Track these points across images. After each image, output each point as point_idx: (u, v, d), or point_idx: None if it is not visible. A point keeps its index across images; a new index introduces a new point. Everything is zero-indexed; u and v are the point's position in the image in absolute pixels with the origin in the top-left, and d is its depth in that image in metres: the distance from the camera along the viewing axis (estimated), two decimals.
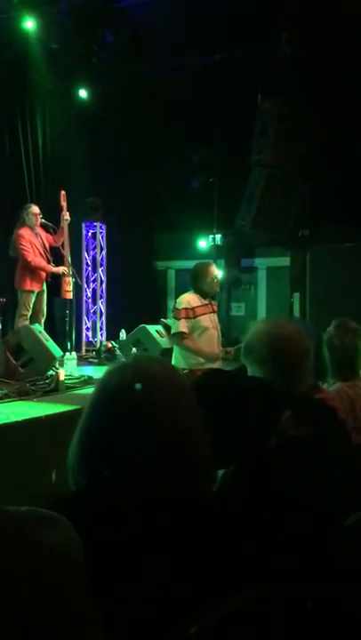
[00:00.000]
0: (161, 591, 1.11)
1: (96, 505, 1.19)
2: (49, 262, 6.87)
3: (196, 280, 5.06)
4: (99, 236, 9.32)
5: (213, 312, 5.08)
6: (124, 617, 1.08)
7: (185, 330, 4.87)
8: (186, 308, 4.90)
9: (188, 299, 4.96)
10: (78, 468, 1.27)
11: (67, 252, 7.16)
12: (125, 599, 1.09)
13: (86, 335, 9.16)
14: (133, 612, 1.10)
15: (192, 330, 4.90)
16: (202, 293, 4.99)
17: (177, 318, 4.94)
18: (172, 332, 5.07)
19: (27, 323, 6.47)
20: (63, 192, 7.24)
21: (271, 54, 7.90)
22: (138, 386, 1.23)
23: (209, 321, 4.97)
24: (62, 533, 0.92)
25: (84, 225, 9.18)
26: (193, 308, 4.90)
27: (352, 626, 1.43)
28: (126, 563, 1.12)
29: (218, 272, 5.12)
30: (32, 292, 6.80)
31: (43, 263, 6.78)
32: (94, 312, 9.27)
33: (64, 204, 7.19)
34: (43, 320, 6.91)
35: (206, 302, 5.00)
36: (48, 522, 0.93)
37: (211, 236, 9.32)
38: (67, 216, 7.13)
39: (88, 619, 0.92)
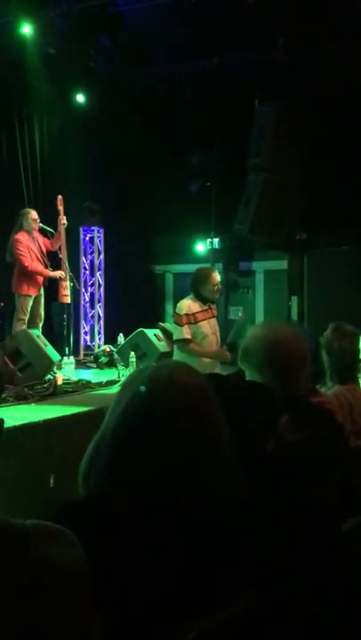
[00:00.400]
0: (163, 597, 1.11)
1: (110, 512, 1.17)
2: (46, 267, 6.89)
3: (196, 285, 5.08)
4: (96, 240, 9.32)
5: (213, 317, 5.10)
6: (125, 625, 1.08)
7: (188, 336, 4.90)
8: (187, 314, 4.92)
9: (189, 304, 4.98)
10: (98, 471, 1.23)
11: (64, 256, 7.18)
12: (128, 606, 1.09)
13: (84, 339, 9.15)
14: (135, 619, 1.09)
15: (193, 336, 4.92)
16: (201, 299, 5.01)
17: (179, 324, 4.95)
18: (176, 338, 5.06)
19: (24, 327, 6.46)
20: (60, 196, 7.26)
21: (268, 58, 7.92)
22: (142, 388, 1.22)
23: (208, 327, 4.99)
24: (66, 549, 0.91)
25: (81, 229, 9.19)
26: (194, 314, 4.93)
27: (352, 627, 1.43)
28: (134, 571, 1.12)
29: (219, 279, 5.12)
30: (29, 296, 6.80)
31: (40, 268, 6.78)
32: (92, 316, 9.27)
33: (61, 208, 7.21)
34: (40, 324, 6.91)
35: (206, 307, 5.02)
36: (53, 536, 0.92)
37: (208, 240, 9.32)
38: (63, 220, 7.15)
39: (90, 633, 0.92)
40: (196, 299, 5.01)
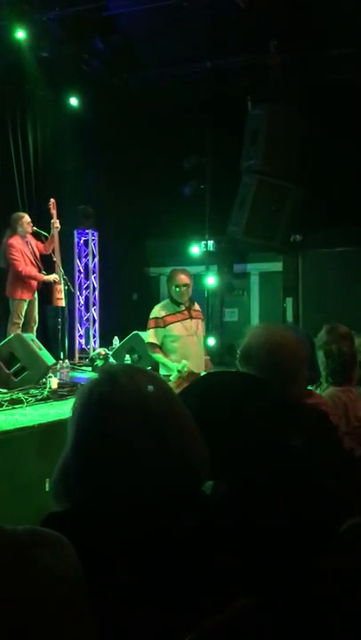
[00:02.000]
0: (156, 601, 1.10)
1: (91, 521, 1.16)
2: (40, 270, 6.86)
3: (167, 287, 5.17)
4: (91, 244, 9.32)
5: (191, 318, 5.05)
6: (119, 633, 1.07)
7: (153, 340, 5.00)
8: (155, 318, 5.00)
9: (158, 308, 5.06)
10: (69, 483, 1.23)
11: (58, 260, 7.15)
12: (119, 614, 1.08)
13: (79, 343, 9.14)
14: (128, 628, 1.08)
15: (164, 338, 4.98)
16: (173, 301, 5.03)
17: (148, 328, 5.06)
18: (145, 341, 5.22)
19: (19, 331, 6.44)
20: (53, 200, 7.24)
21: (261, 61, 7.94)
22: (150, 388, 1.22)
23: (182, 328, 4.99)
24: (61, 554, 0.90)
25: (76, 232, 9.18)
26: (163, 318, 4.98)
27: (350, 627, 1.42)
28: (121, 578, 1.11)
29: (187, 280, 5.00)
30: (24, 300, 6.78)
31: (34, 272, 6.76)
32: (87, 319, 9.26)
33: (54, 211, 7.19)
34: (35, 328, 6.89)
35: (180, 309, 5.02)
36: (47, 542, 0.90)
37: (203, 242, 9.33)
38: (57, 224, 7.12)
39: (87, 638, 0.90)
40: (169, 301, 5.06)
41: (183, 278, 4.98)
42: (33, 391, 4.95)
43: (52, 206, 7.21)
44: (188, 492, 1.20)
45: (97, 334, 9.26)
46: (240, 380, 1.75)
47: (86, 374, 7.05)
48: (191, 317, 5.07)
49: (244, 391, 1.66)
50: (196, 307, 5.19)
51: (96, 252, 9.39)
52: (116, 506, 1.15)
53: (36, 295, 6.94)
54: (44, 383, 5.12)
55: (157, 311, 5.02)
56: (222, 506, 1.33)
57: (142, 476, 1.16)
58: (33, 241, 6.92)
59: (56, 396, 4.93)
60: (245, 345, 1.97)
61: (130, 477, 1.16)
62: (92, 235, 9.32)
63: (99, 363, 7.28)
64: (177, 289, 4.96)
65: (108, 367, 1.38)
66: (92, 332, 9.19)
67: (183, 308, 5.03)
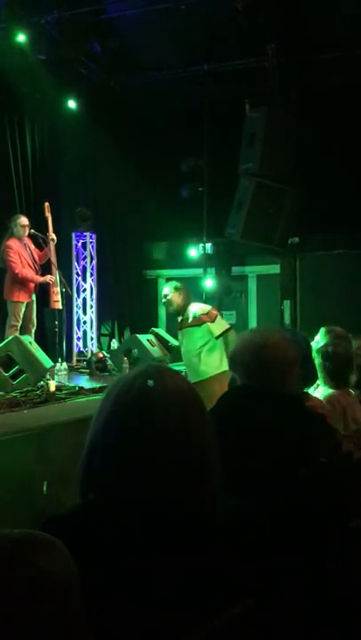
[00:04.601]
0: (155, 610, 1.10)
1: (96, 523, 1.16)
2: (37, 273, 6.85)
3: None
4: (89, 246, 9.32)
5: (181, 330, 5.42)
6: (118, 636, 1.07)
7: None
8: None
9: None
10: (93, 466, 1.22)
11: (54, 262, 7.12)
12: (119, 619, 1.08)
13: (77, 345, 9.13)
14: (128, 632, 1.08)
15: None
16: None
17: None
18: None
19: (17, 333, 6.43)
20: (47, 203, 7.21)
21: (259, 64, 7.95)
22: (150, 382, 1.21)
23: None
24: (57, 557, 0.89)
25: (73, 235, 9.18)
26: None
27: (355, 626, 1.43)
28: (122, 582, 1.10)
29: (164, 291, 5.50)
30: (21, 302, 6.77)
31: (30, 274, 6.74)
32: (85, 322, 9.25)
33: (48, 214, 7.16)
34: (33, 330, 6.88)
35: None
36: (42, 545, 0.90)
37: (201, 245, 9.33)
38: (52, 236, 7.06)
39: None
40: None
41: (165, 289, 5.51)
42: (31, 394, 4.94)
43: (46, 209, 7.18)
44: (199, 500, 1.19)
45: (95, 337, 9.26)
46: (258, 397, 1.75)
47: (84, 377, 7.05)
48: (181, 329, 5.38)
49: (264, 408, 1.65)
50: (189, 312, 5.33)
51: (94, 255, 9.39)
52: (127, 504, 1.14)
53: (34, 297, 6.93)
54: (42, 386, 5.11)
55: None
56: (240, 517, 1.32)
57: (161, 481, 1.15)
58: (31, 244, 6.91)
59: (54, 398, 4.92)
60: (233, 349, 1.97)
61: (149, 479, 1.15)
62: (90, 237, 9.32)
63: (96, 365, 7.28)
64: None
65: (155, 363, 1.37)
66: (89, 335, 9.19)
67: (180, 320, 5.39)
